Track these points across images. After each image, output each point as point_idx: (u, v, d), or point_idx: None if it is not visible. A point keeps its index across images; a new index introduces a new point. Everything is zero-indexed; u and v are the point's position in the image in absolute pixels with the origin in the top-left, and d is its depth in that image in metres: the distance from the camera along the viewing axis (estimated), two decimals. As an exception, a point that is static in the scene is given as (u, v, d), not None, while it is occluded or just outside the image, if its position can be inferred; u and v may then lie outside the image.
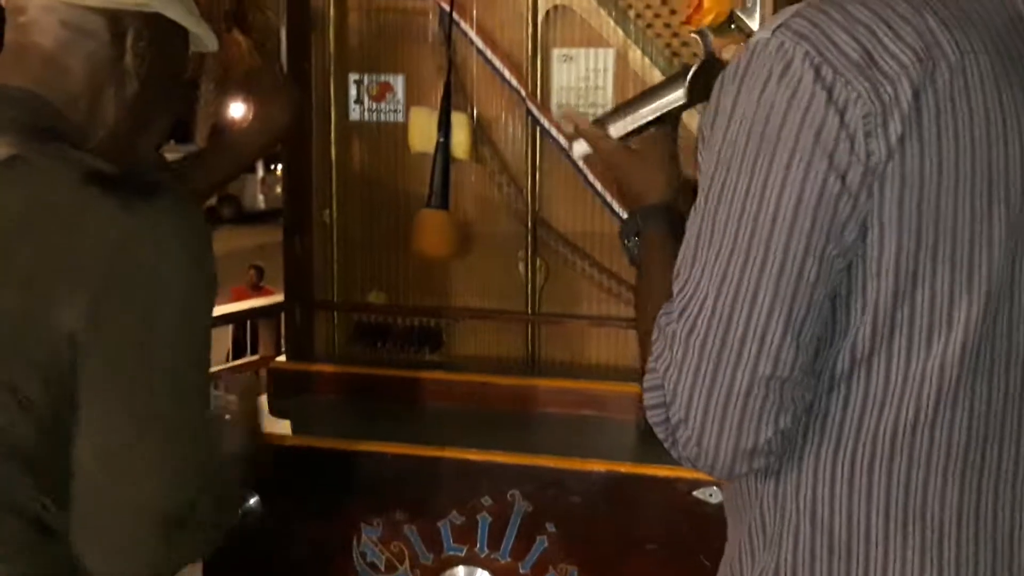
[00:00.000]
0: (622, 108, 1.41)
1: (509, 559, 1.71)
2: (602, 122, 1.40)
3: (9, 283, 1.06)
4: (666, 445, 0.98)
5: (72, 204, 1.07)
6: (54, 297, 1.05)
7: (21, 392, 1.07)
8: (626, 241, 1.28)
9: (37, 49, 1.18)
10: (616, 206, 1.94)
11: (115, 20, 1.19)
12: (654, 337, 0.99)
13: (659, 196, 1.28)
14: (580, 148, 1.44)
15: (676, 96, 1.36)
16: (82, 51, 1.19)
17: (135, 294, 1.06)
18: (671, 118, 1.38)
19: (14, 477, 1.09)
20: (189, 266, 1.10)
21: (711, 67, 1.33)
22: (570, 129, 1.41)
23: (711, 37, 1.76)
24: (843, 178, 0.89)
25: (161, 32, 1.23)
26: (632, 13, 1.91)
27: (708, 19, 1.77)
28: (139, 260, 1.06)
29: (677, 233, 1.02)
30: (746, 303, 0.91)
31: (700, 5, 1.77)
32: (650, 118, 1.37)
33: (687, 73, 1.36)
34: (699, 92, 1.34)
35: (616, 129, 1.37)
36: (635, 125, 1.37)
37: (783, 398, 0.92)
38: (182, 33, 1.26)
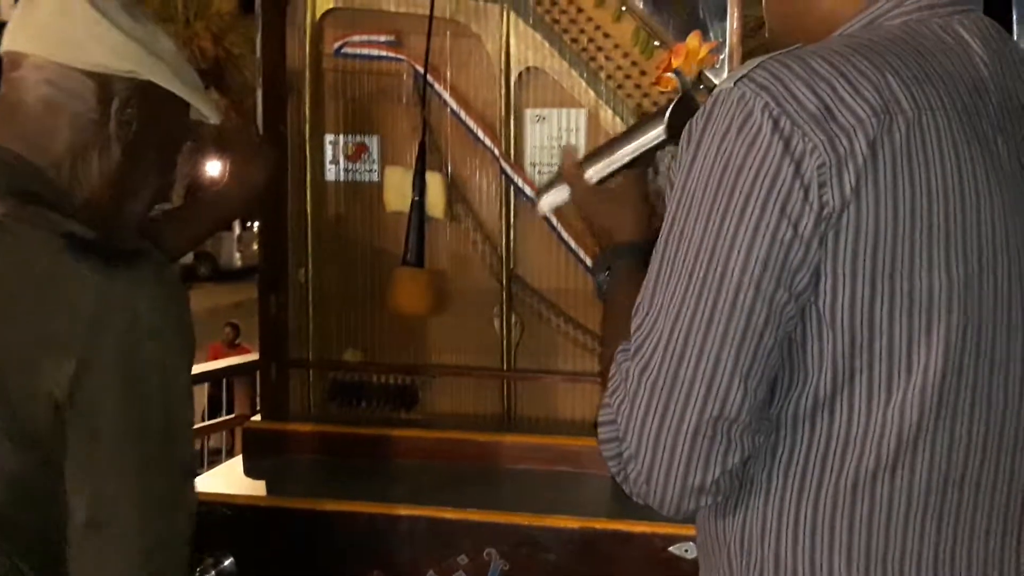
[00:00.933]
0: (600, 151, 1.42)
1: (486, 618, 1.70)
2: (580, 164, 1.41)
3: None
4: (618, 479, 0.99)
5: (50, 271, 1.07)
6: (34, 365, 1.05)
7: None
8: (597, 276, 1.30)
9: (25, 107, 1.18)
10: (590, 262, 1.96)
11: (104, 85, 1.18)
12: (612, 372, 1.00)
13: (630, 234, 1.29)
14: (547, 203, 1.46)
15: (655, 134, 1.37)
16: (67, 112, 1.18)
17: (116, 364, 1.06)
18: (646, 158, 1.39)
19: None
20: (168, 334, 1.10)
21: (688, 103, 1.35)
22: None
23: (686, 76, 1.79)
24: (795, 226, 0.91)
25: (153, 101, 1.22)
26: (603, 74, 1.95)
27: (676, 81, 1.81)
28: (119, 330, 1.06)
29: (645, 270, 1.03)
30: (696, 344, 0.93)
31: (669, 66, 1.81)
32: (628, 159, 1.38)
33: (665, 111, 1.37)
34: (678, 128, 1.35)
35: (594, 173, 1.39)
36: (612, 168, 1.38)
37: (731, 439, 0.94)
38: (180, 103, 1.25)
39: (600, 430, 1.00)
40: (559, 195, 1.44)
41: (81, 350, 1.05)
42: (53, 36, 1.17)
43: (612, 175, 1.38)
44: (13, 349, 1.05)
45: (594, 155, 1.41)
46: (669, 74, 1.82)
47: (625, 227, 1.30)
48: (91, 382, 1.05)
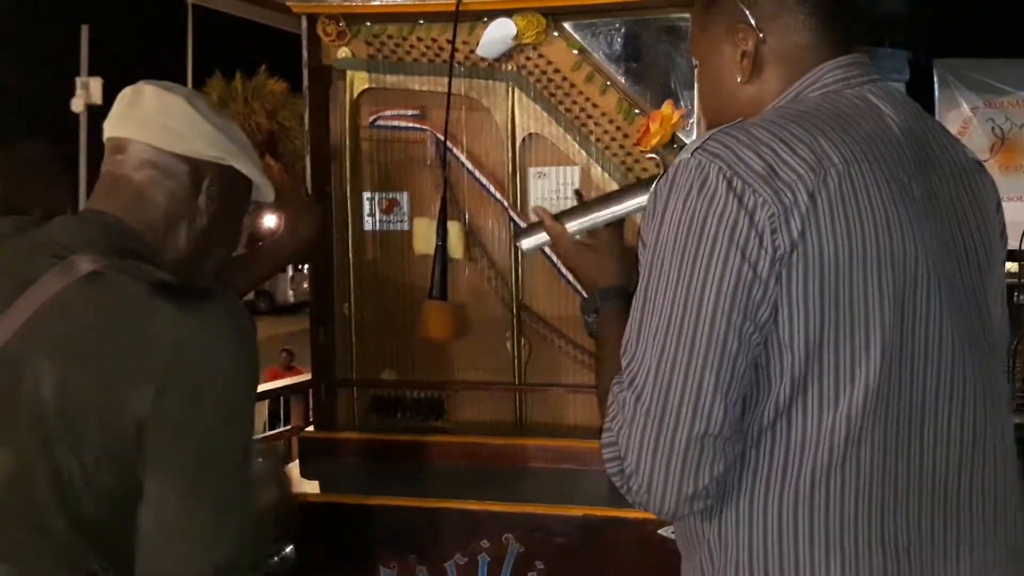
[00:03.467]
0: (579, 209, 1.42)
1: (505, 593, 1.69)
2: (559, 218, 1.41)
3: (89, 379, 1.06)
4: (622, 491, 0.98)
5: (140, 310, 1.07)
6: (125, 390, 1.05)
7: (90, 471, 1.06)
8: (587, 317, 1.30)
9: (128, 182, 1.19)
10: (586, 324, 1.95)
11: (195, 167, 1.20)
12: (609, 402, 0.99)
13: (613, 280, 1.29)
14: (527, 244, 1.45)
15: (639, 201, 1.37)
16: (165, 188, 1.19)
17: (191, 385, 1.06)
18: (622, 219, 1.39)
19: (77, 542, 1.07)
20: (237, 360, 1.10)
21: None
22: (535, 218, 1.42)
23: (669, 156, 1.81)
24: (755, 268, 0.91)
25: (230, 180, 1.24)
26: (593, 138, 1.96)
27: (654, 141, 1.82)
28: (195, 356, 1.06)
29: (629, 311, 1.03)
30: (680, 373, 0.93)
31: (647, 131, 1.83)
32: (609, 218, 1.38)
33: (649, 183, 1.37)
34: None
35: (574, 226, 1.39)
36: (591, 224, 1.38)
37: (716, 451, 0.93)
38: (247, 183, 1.28)
39: (604, 451, 0.99)
40: (538, 240, 1.44)
41: (162, 376, 1.05)
42: (156, 127, 1.19)
43: (588, 229, 1.38)
44: (107, 378, 1.05)
45: (572, 212, 1.41)
46: (651, 155, 1.84)
47: (609, 274, 1.29)
48: (170, 402, 1.05)
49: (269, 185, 1.31)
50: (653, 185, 1.34)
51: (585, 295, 1.33)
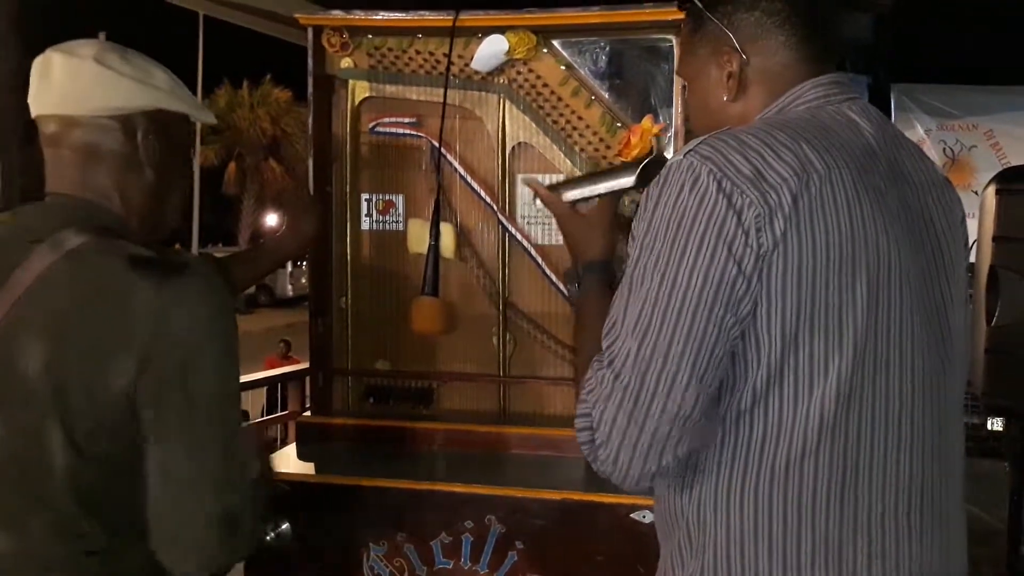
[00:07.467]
0: (575, 180, 1.41)
1: (487, 571, 1.69)
2: (557, 188, 1.40)
3: (72, 354, 1.04)
4: (588, 459, 0.98)
5: (119, 286, 1.05)
6: (109, 363, 1.03)
7: (82, 442, 1.05)
8: (569, 285, 1.29)
9: (69, 157, 1.14)
10: (567, 292, 1.96)
11: (124, 122, 1.14)
12: (588, 376, 0.99)
13: (599, 253, 1.28)
14: (568, 195, 1.41)
15: (628, 180, 1.37)
16: (103, 153, 1.14)
17: (172, 353, 1.04)
18: (614, 196, 1.38)
19: (73, 510, 1.07)
20: (213, 324, 1.07)
21: (658, 162, 1.34)
22: (539, 192, 1.40)
23: (662, 142, 1.81)
24: (739, 264, 0.91)
25: (163, 123, 1.18)
26: (578, 148, 1.96)
27: (634, 152, 1.82)
28: (173, 325, 1.04)
29: (610, 284, 1.02)
30: (660, 357, 0.93)
31: (628, 143, 1.83)
32: (601, 192, 1.37)
33: (639, 164, 1.36)
34: (645, 179, 1.34)
35: (571, 196, 1.38)
36: (586, 196, 1.38)
37: (683, 432, 0.93)
38: (181, 118, 1.21)
39: (577, 421, 0.99)
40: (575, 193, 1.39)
41: (145, 348, 1.03)
42: (72, 94, 1.13)
43: (583, 200, 1.38)
44: (90, 352, 1.04)
45: (571, 183, 1.41)
46: (651, 139, 1.83)
47: (596, 247, 1.29)
48: (156, 372, 1.03)
49: (204, 109, 1.25)
50: (644, 163, 1.33)
51: (570, 264, 1.32)
